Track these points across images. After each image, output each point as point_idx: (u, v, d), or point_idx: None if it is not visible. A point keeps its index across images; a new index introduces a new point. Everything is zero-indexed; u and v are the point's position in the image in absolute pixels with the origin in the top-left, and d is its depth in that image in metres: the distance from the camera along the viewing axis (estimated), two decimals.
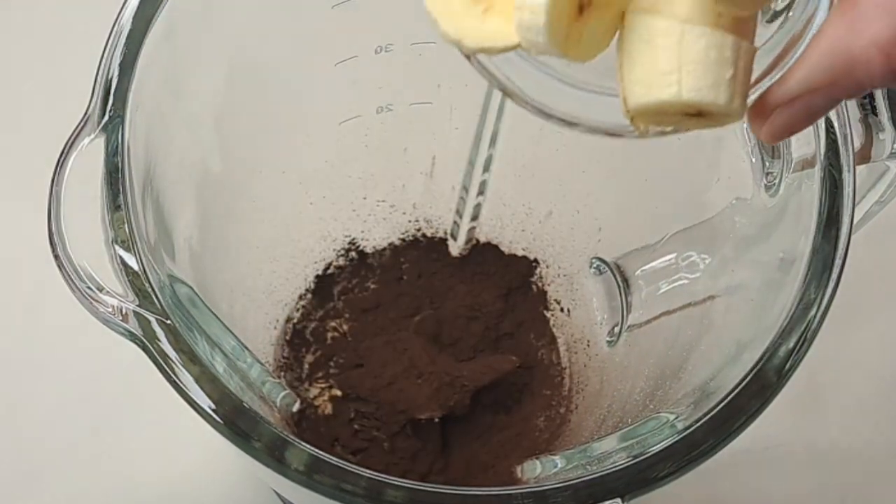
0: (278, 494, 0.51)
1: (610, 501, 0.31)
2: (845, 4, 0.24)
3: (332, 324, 0.55)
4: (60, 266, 0.32)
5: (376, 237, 0.56)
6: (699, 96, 0.26)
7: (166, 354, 0.32)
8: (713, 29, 0.26)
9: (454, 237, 0.54)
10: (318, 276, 0.55)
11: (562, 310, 0.55)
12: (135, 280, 0.33)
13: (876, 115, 0.35)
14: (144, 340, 0.32)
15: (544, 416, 0.53)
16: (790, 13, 0.28)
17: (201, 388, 0.32)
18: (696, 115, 0.27)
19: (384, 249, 0.56)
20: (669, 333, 0.42)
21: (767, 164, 0.37)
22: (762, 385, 0.33)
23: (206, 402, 0.32)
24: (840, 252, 0.35)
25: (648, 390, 0.42)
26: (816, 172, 0.35)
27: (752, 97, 0.28)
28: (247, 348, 0.36)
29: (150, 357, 0.32)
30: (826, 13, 0.25)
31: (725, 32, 0.26)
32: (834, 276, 0.34)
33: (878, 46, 0.23)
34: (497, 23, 0.27)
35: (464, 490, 0.31)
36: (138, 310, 0.32)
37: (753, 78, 0.28)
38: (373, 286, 0.56)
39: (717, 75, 0.26)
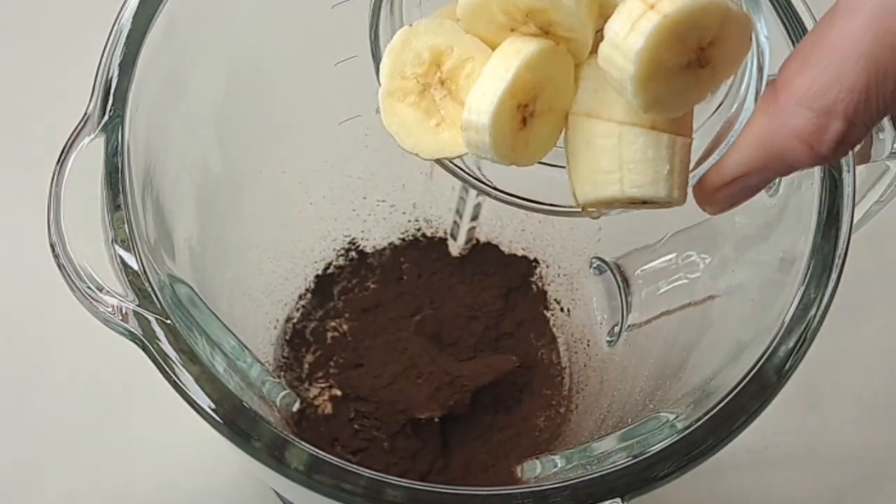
0: (278, 494, 0.51)
1: (610, 501, 0.31)
2: (767, 100, 0.26)
3: (332, 323, 0.55)
4: (60, 266, 0.32)
5: (376, 237, 0.56)
6: (640, 192, 0.28)
7: (166, 354, 0.32)
8: (649, 129, 0.28)
9: (454, 237, 0.54)
10: (318, 276, 0.55)
11: (562, 310, 0.55)
12: (135, 280, 0.33)
13: None
14: (144, 340, 0.32)
15: (544, 416, 0.53)
16: (724, 101, 0.30)
17: (201, 387, 0.32)
18: (642, 203, 0.29)
19: (384, 249, 0.56)
20: (669, 333, 0.42)
21: None
22: (762, 385, 0.33)
23: (206, 402, 0.32)
24: (840, 252, 0.35)
25: (648, 390, 0.42)
26: (816, 172, 0.35)
27: (694, 178, 0.30)
28: (247, 348, 0.36)
29: (150, 357, 0.32)
30: (752, 106, 0.27)
31: (661, 132, 0.28)
32: (834, 275, 0.34)
33: (800, 139, 0.26)
34: (450, 134, 0.29)
35: (464, 490, 0.31)
36: (138, 309, 0.32)
37: (694, 161, 0.30)
38: (373, 286, 0.56)
39: (656, 172, 0.28)
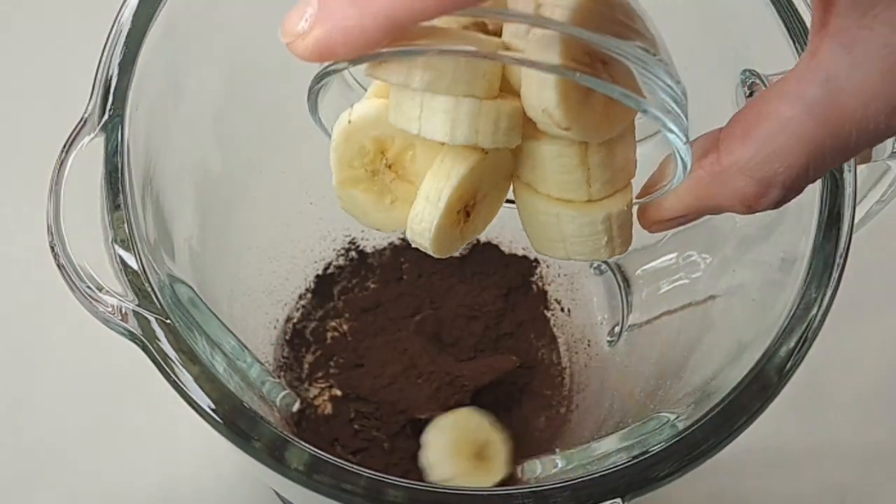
0: (278, 494, 0.51)
1: (610, 501, 0.31)
2: (710, 158, 0.28)
3: (332, 324, 0.55)
4: (60, 266, 0.32)
5: (376, 237, 0.56)
6: (584, 258, 0.30)
7: (166, 354, 0.32)
8: (582, 212, 0.29)
9: None
10: (318, 276, 0.55)
11: (562, 310, 0.55)
12: (134, 280, 0.33)
13: None
14: (144, 340, 0.32)
15: (545, 416, 0.53)
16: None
17: (201, 387, 0.32)
18: None
19: (384, 249, 0.56)
20: (670, 333, 0.42)
21: None
22: (763, 385, 0.33)
23: (205, 402, 0.31)
24: (841, 252, 0.35)
25: (649, 390, 0.42)
26: None
27: (637, 205, 0.31)
28: (247, 348, 0.36)
29: (149, 357, 0.32)
30: (682, 175, 0.28)
31: (596, 211, 0.29)
32: (835, 275, 0.34)
33: (740, 200, 0.28)
34: (405, 210, 0.30)
35: (464, 490, 0.31)
36: (138, 309, 0.32)
37: (637, 188, 0.31)
38: (373, 286, 0.56)
39: (595, 243, 0.30)
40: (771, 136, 0.26)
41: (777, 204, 0.28)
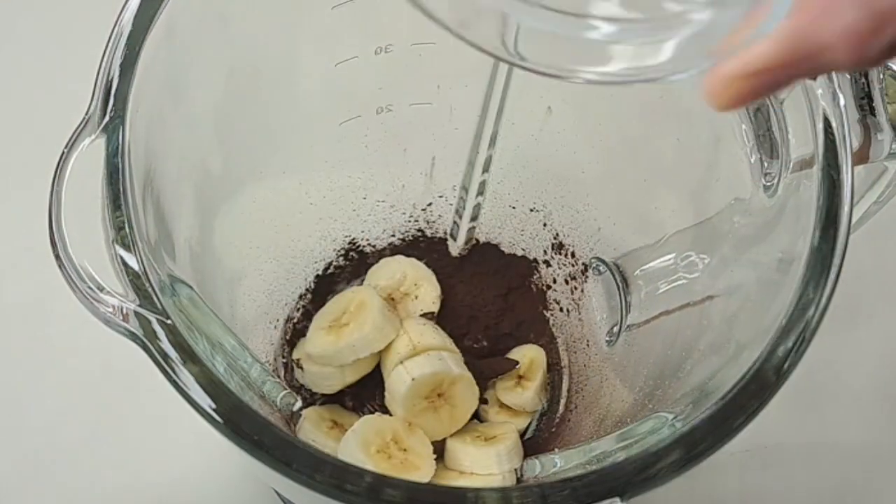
0: (278, 494, 0.51)
1: (609, 501, 0.31)
2: None
3: None
4: (61, 266, 0.33)
5: (376, 237, 0.56)
6: None
7: (166, 354, 0.32)
8: None
9: (454, 237, 0.54)
10: (318, 276, 0.55)
11: (561, 310, 0.55)
12: (135, 280, 0.33)
13: (874, 115, 0.36)
14: (145, 340, 0.32)
15: (544, 416, 0.53)
16: None
17: (201, 387, 0.32)
18: None
19: (384, 249, 0.56)
20: (668, 333, 0.42)
21: (766, 164, 0.37)
22: (761, 385, 0.33)
23: (205, 402, 0.32)
24: (838, 252, 0.35)
25: (647, 390, 0.42)
26: (815, 173, 0.35)
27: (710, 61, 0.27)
28: (247, 348, 0.36)
29: (150, 357, 0.32)
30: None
31: None
32: (832, 276, 0.34)
33: (850, 38, 0.24)
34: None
35: (464, 489, 0.32)
36: (139, 309, 0.32)
37: (718, 39, 0.27)
38: None
39: None
40: None
41: (890, 50, 0.24)
